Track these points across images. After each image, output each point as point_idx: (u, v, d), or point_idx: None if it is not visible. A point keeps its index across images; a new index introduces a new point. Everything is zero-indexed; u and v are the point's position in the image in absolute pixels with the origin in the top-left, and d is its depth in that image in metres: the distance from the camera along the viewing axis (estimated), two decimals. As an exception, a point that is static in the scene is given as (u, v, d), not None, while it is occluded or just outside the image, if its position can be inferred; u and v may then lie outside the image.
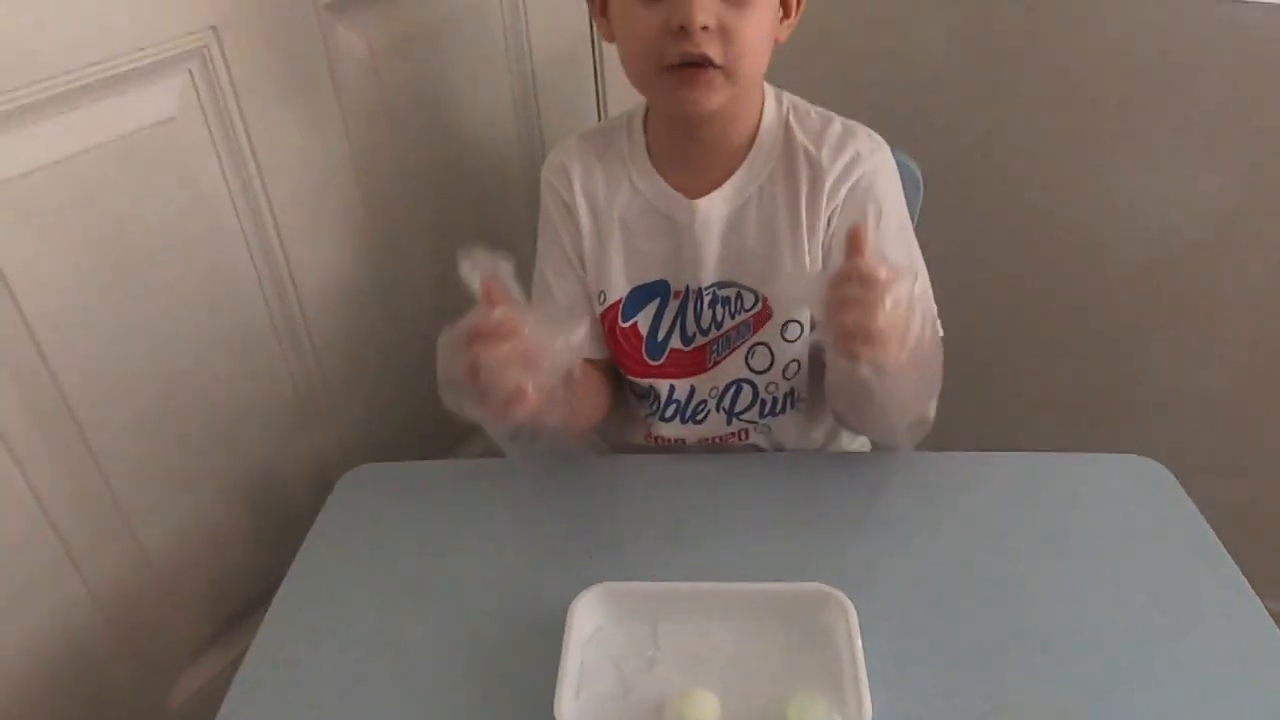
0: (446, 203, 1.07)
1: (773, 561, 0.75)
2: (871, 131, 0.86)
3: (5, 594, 0.79)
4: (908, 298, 0.67)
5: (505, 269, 0.69)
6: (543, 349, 0.69)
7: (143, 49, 0.77)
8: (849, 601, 0.68)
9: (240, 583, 0.97)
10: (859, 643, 0.65)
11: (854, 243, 0.69)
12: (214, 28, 0.81)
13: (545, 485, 0.89)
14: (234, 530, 0.97)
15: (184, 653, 0.97)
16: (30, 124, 0.72)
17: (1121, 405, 1.30)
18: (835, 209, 0.83)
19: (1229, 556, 0.75)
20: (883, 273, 0.66)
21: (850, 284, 0.66)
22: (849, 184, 0.82)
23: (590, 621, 0.70)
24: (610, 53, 1.21)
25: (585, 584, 0.71)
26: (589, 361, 0.88)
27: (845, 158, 0.82)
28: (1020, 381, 1.37)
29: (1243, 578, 0.73)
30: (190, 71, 0.81)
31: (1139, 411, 1.28)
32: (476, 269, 0.69)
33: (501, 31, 1.09)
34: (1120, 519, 0.80)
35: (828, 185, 0.82)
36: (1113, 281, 1.25)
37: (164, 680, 0.96)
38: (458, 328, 0.69)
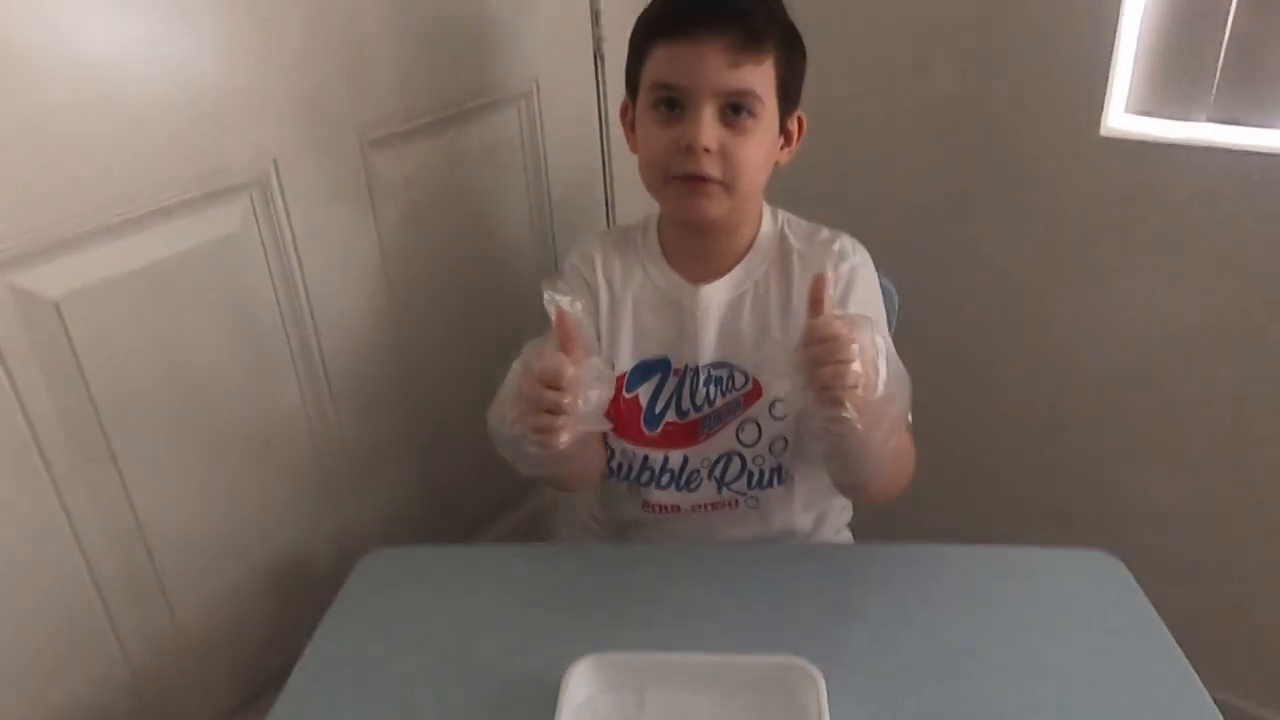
0: (465, 307, 1.19)
1: (752, 639, 0.80)
2: (854, 239, 0.97)
3: (52, 653, 0.87)
4: (870, 344, 0.73)
5: (579, 308, 0.80)
6: (584, 404, 0.77)
7: (215, 176, 0.90)
8: (819, 673, 0.74)
9: (262, 657, 1.04)
10: (826, 706, 0.71)
11: (814, 299, 0.76)
12: (274, 160, 0.95)
13: (549, 571, 0.96)
14: (259, 606, 1.05)
15: (206, 723, 1.03)
16: (120, 237, 0.84)
17: (1086, 509, 1.36)
18: None
19: (1175, 643, 0.80)
20: (842, 327, 0.72)
21: (815, 345, 0.72)
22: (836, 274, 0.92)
23: (582, 690, 0.76)
24: (619, 184, 1.36)
25: (580, 657, 0.77)
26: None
27: (832, 254, 0.93)
28: (989, 485, 1.43)
29: (1188, 663, 0.78)
30: (251, 195, 0.94)
31: (1103, 515, 1.34)
32: (555, 302, 0.79)
33: (523, 163, 1.23)
34: (1076, 607, 0.85)
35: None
36: (1078, 393, 1.33)
37: (186, 750, 1.01)
38: (536, 361, 0.77)
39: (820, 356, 0.72)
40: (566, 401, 0.76)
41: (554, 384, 0.76)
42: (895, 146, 1.34)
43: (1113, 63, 1.15)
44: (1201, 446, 1.26)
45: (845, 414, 0.72)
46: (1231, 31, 1.09)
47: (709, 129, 0.86)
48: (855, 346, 0.72)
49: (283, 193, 0.96)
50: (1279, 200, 1.11)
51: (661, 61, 0.88)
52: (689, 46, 0.85)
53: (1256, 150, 1.10)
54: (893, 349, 0.79)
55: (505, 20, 1.16)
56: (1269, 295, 1.16)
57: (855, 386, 0.72)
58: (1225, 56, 1.10)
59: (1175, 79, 1.15)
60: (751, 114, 0.87)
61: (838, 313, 0.77)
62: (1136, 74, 1.17)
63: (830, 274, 0.77)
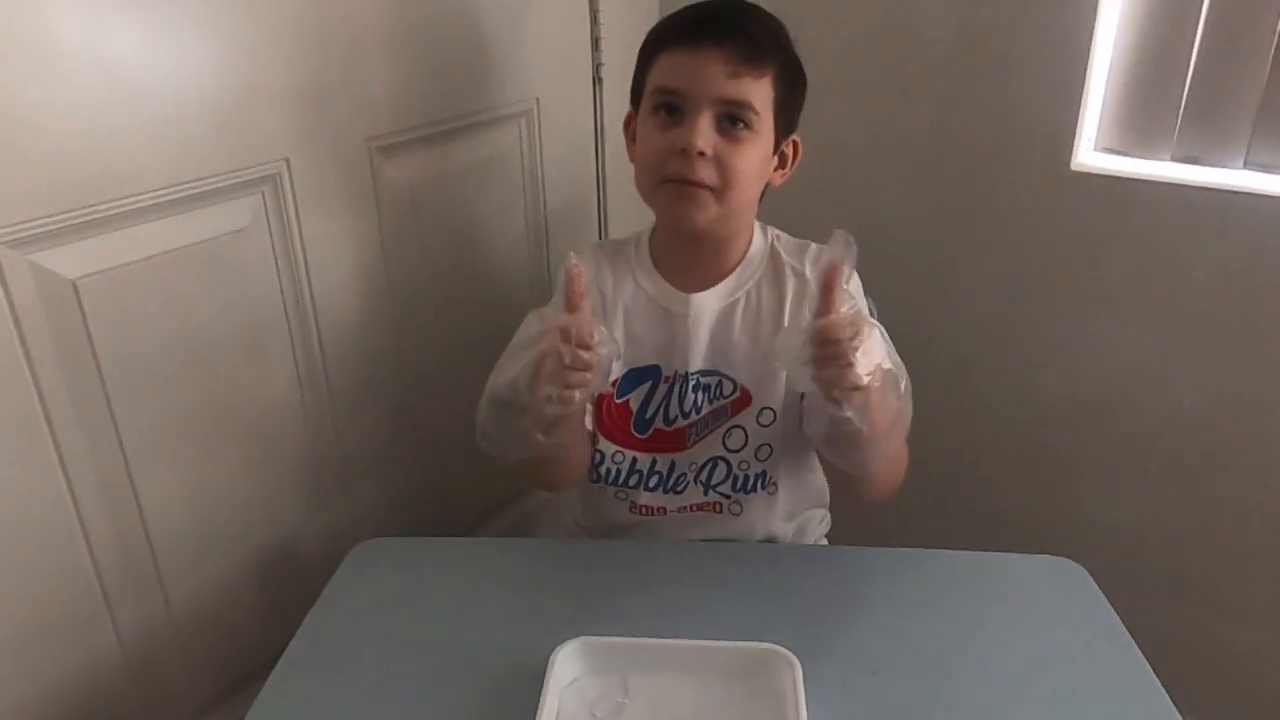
0: (462, 310, 1.22)
1: (733, 629, 0.83)
2: None
3: (53, 631, 0.89)
4: (876, 346, 0.78)
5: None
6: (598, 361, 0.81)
7: (230, 172, 0.94)
8: (796, 659, 0.77)
9: (252, 644, 1.05)
10: (802, 691, 0.74)
11: (827, 286, 0.78)
12: (286, 159, 0.99)
13: (537, 563, 0.99)
14: (250, 595, 1.07)
15: (191, 709, 1.04)
16: (137, 224, 0.88)
17: (1055, 529, 1.39)
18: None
19: (1133, 643, 0.85)
20: (845, 331, 0.77)
21: (820, 347, 0.77)
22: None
23: (569, 671, 0.79)
24: (613, 200, 1.41)
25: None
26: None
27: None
28: (961, 506, 1.47)
29: (1145, 663, 0.82)
30: (263, 192, 0.98)
31: (1071, 535, 1.38)
32: (574, 269, 0.82)
33: (521, 177, 1.27)
34: (1039, 608, 0.89)
35: (810, 289, 0.94)
36: (1048, 416, 1.38)
37: (171, 733, 1.03)
38: (556, 320, 0.81)
39: (824, 358, 0.77)
40: (594, 357, 0.80)
41: (585, 344, 0.80)
42: (877, 175, 1.40)
43: (1083, 102, 1.22)
44: (1164, 469, 1.32)
45: (845, 414, 0.78)
46: (1193, 76, 1.16)
47: (704, 134, 0.89)
48: (859, 351, 0.76)
49: (293, 192, 1.00)
50: (1235, 236, 1.17)
51: (665, 68, 0.92)
52: (692, 54, 0.90)
53: (1215, 188, 1.17)
54: (898, 359, 0.83)
55: (510, 42, 1.21)
56: (1226, 324, 1.22)
57: (856, 388, 0.77)
58: (1187, 99, 1.18)
59: (1140, 119, 1.22)
60: (748, 126, 0.90)
61: (846, 310, 0.79)
62: (1105, 114, 1.24)
63: (842, 263, 0.79)
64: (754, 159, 0.92)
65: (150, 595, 0.97)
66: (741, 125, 0.91)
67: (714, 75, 0.89)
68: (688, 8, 0.95)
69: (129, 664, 0.96)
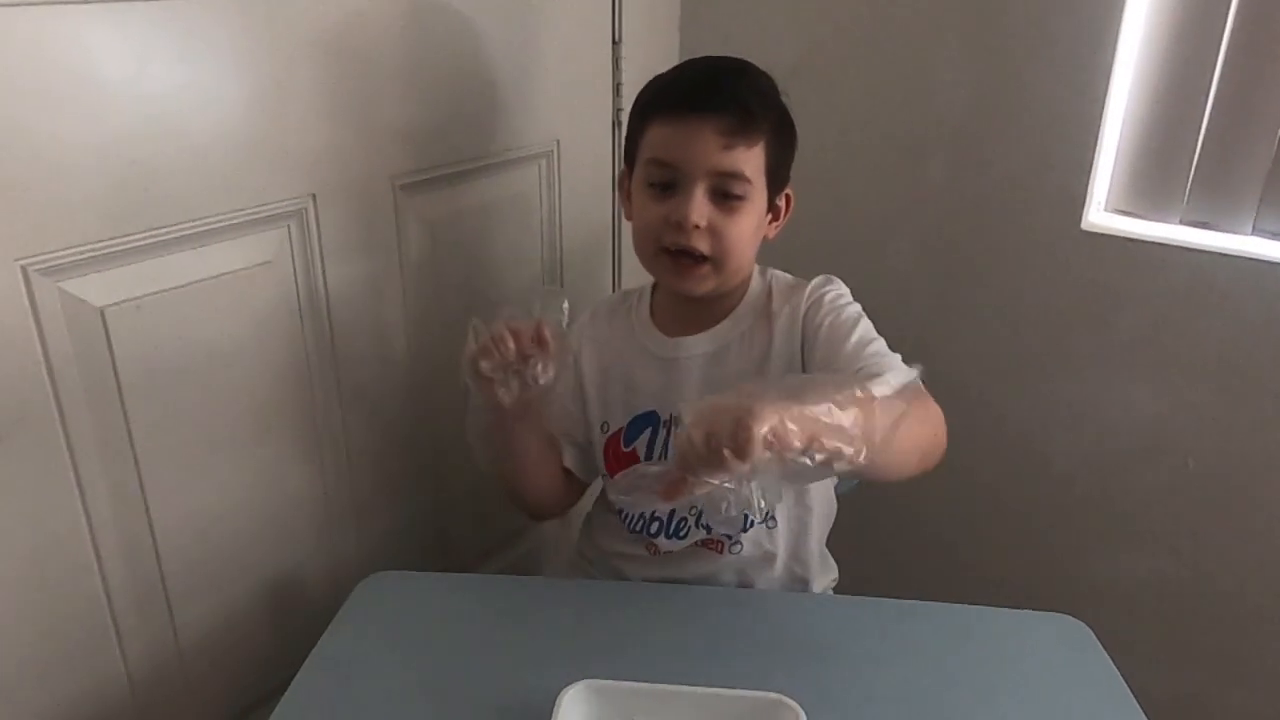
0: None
1: (738, 676, 0.83)
2: (830, 276, 1.00)
3: (59, 659, 0.89)
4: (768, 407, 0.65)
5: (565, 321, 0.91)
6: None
7: (258, 206, 0.96)
8: (800, 709, 0.78)
9: (258, 675, 1.06)
10: (807, 743, 0.75)
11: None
12: (313, 195, 1.00)
13: (545, 602, 0.99)
14: (258, 625, 1.07)
15: (194, 740, 1.04)
16: (167, 254, 0.90)
17: (1056, 589, 1.40)
18: (806, 338, 0.96)
19: (1136, 703, 0.85)
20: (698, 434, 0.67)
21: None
22: (803, 312, 0.96)
23: (574, 714, 0.79)
24: (627, 242, 1.42)
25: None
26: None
27: (798, 297, 0.97)
28: (962, 563, 1.47)
29: (1144, 716, 0.83)
30: (289, 226, 1.00)
31: (1073, 596, 1.38)
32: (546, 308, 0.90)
33: (540, 217, 1.30)
34: (1043, 664, 0.90)
35: (798, 326, 0.96)
36: (1051, 475, 1.39)
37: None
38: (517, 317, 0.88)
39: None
40: (508, 355, 0.87)
41: (503, 338, 0.87)
42: (891, 232, 1.42)
43: (1095, 163, 1.24)
44: (1169, 529, 1.32)
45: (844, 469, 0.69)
46: (1203, 144, 1.19)
47: (699, 206, 0.90)
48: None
49: (318, 225, 1.01)
50: (1242, 300, 1.19)
51: (658, 138, 0.93)
52: (685, 126, 0.90)
53: (1222, 252, 1.19)
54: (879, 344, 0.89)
55: (533, 85, 1.23)
56: (1233, 385, 1.23)
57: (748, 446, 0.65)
58: (1197, 166, 1.20)
59: (1151, 183, 1.24)
60: (741, 195, 0.91)
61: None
62: (1116, 175, 1.26)
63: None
64: (749, 225, 0.93)
65: (159, 624, 0.97)
66: (735, 194, 0.91)
67: (707, 147, 0.89)
68: (681, 69, 0.97)
69: (135, 693, 0.96)
